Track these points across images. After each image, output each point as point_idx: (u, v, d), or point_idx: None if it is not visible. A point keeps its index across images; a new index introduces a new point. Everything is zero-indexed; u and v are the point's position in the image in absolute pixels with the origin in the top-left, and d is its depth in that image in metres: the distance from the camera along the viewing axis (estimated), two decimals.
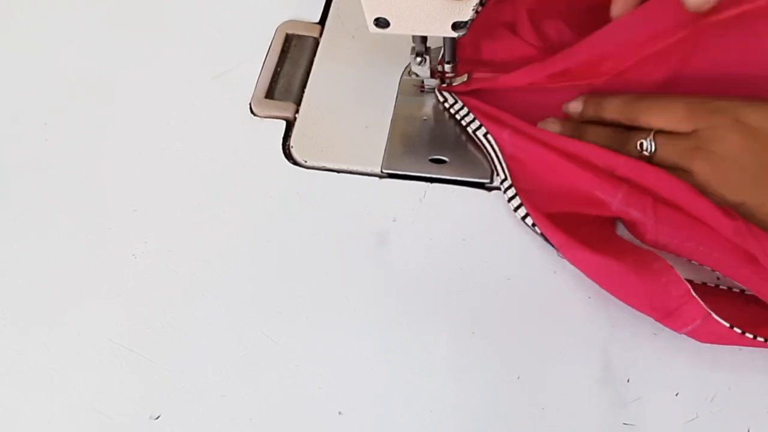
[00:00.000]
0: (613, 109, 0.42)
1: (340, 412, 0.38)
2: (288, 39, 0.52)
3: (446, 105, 0.46)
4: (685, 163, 0.38)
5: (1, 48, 0.53)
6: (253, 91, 0.49)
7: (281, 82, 0.50)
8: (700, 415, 0.36)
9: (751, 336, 0.35)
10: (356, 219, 0.43)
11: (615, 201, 0.40)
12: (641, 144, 0.39)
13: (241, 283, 0.42)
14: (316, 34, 0.52)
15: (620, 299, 0.38)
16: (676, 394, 0.37)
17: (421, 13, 0.38)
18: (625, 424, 0.37)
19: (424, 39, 0.42)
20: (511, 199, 0.42)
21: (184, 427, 0.38)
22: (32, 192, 0.46)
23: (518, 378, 0.38)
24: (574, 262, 0.40)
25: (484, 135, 0.44)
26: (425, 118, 0.47)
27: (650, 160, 0.40)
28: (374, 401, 0.38)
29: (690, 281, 0.36)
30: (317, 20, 0.53)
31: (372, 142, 0.46)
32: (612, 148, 0.41)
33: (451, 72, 0.46)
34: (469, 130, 0.45)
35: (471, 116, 0.45)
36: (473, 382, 0.38)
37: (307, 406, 0.38)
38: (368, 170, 0.45)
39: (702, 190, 0.38)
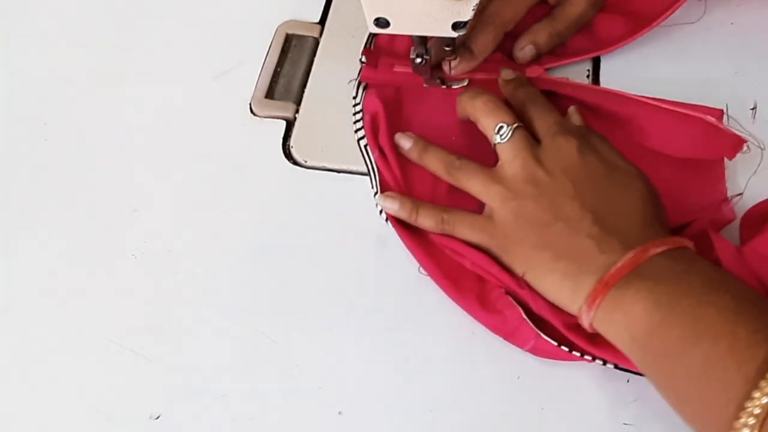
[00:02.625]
0: (434, 162, 0.43)
1: (340, 412, 0.38)
2: (288, 39, 0.52)
3: (354, 101, 0.47)
4: (515, 161, 0.40)
5: (1, 48, 0.53)
6: (253, 91, 0.49)
7: (281, 82, 0.50)
8: None
9: (578, 354, 0.37)
10: (356, 219, 0.43)
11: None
12: (501, 127, 0.41)
13: (241, 283, 0.42)
14: (316, 34, 0.52)
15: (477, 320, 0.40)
16: None
17: (421, 13, 0.38)
18: (625, 424, 0.37)
19: (424, 39, 0.42)
20: (381, 211, 0.43)
21: (184, 427, 0.38)
22: (32, 192, 0.46)
23: (518, 378, 0.38)
24: (434, 280, 0.41)
25: (365, 146, 0.45)
26: None
27: (495, 146, 0.41)
28: (374, 401, 0.38)
29: (524, 304, 0.38)
30: (317, 20, 0.53)
31: None
32: (476, 117, 0.43)
33: (452, 56, 0.46)
34: (356, 136, 0.45)
35: (360, 123, 0.46)
36: (473, 382, 0.38)
37: (307, 406, 0.38)
38: None
39: (500, 196, 0.39)
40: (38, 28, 0.54)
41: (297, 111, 0.48)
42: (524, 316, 0.38)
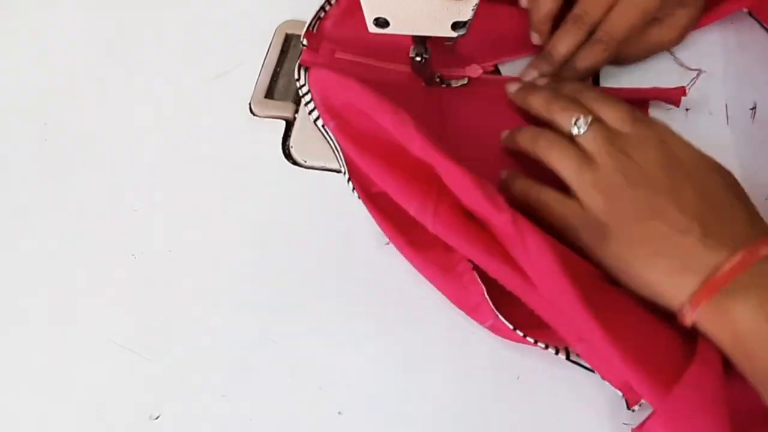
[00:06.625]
0: (568, 91, 0.42)
1: (340, 412, 0.38)
2: (288, 39, 0.52)
3: (298, 83, 0.47)
4: (601, 151, 0.38)
5: (1, 48, 0.53)
6: (253, 91, 0.49)
7: (281, 82, 0.50)
8: None
9: (531, 340, 0.37)
10: (356, 219, 0.43)
11: (410, 210, 0.40)
12: (578, 119, 0.40)
13: (241, 283, 0.42)
14: None
15: (440, 291, 0.40)
16: None
17: (421, 13, 0.38)
18: (624, 424, 0.37)
19: (423, 39, 0.42)
20: (353, 190, 0.43)
21: (184, 427, 0.38)
22: (32, 192, 0.46)
23: (518, 378, 0.38)
24: (400, 252, 0.41)
25: (322, 126, 0.45)
26: None
27: (573, 138, 0.40)
28: (374, 401, 0.38)
29: (491, 281, 0.38)
30: None
31: None
32: (549, 112, 0.42)
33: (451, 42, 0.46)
34: (311, 118, 0.45)
35: (312, 104, 0.45)
36: (473, 382, 0.38)
37: (307, 406, 0.38)
38: None
39: (593, 186, 0.38)
40: (38, 28, 0.54)
41: (297, 111, 0.48)
42: (486, 295, 0.38)
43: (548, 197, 0.40)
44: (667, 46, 0.47)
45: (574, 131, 0.40)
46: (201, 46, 0.52)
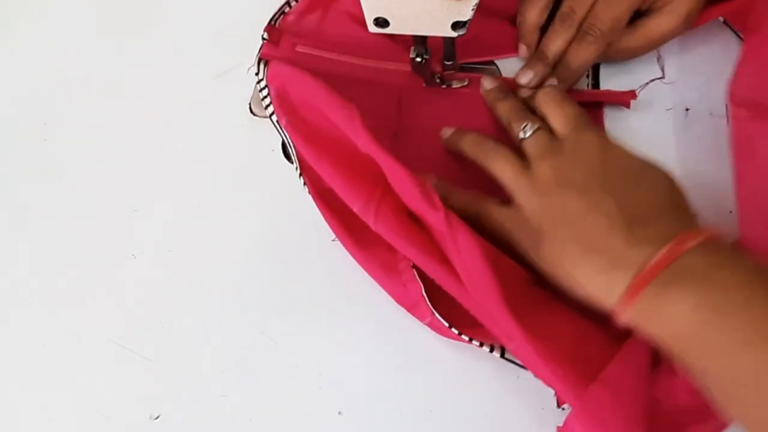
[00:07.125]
0: (467, 143, 0.43)
1: (340, 412, 0.38)
2: None
3: (257, 77, 0.46)
4: (537, 155, 0.39)
5: (1, 48, 0.53)
6: (253, 91, 0.49)
7: None
8: None
9: (466, 338, 0.38)
10: None
11: (355, 208, 0.41)
12: (526, 125, 0.41)
13: (241, 283, 0.42)
14: None
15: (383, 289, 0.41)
16: None
17: (421, 13, 0.38)
18: None
19: (424, 39, 0.42)
20: (305, 185, 0.43)
21: (184, 427, 0.38)
22: (32, 192, 0.46)
23: (518, 378, 0.38)
24: (346, 249, 0.41)
25: (277, 121, 0.45)
26: None
27: (520, 142, 0.41)
28: (374, 401, 0.38)
29: (431, 280, 0.38)
30: None
31: None
32: (509, 120, 0.43)
33: (452, 68, 0.46)
34: (267, 113, 0.45)
35: (269, 99, 0.45)
36: (473, 382, 0.38)
37: (307, 406, 0.38)
38: None
39: (529, 189, 0.39)
40: (38, 27, 0.54)
41: None
42: (424, 293, 0.38)
43: (488, 207, 0.40)
44: (672, 35, 0.46)
45: (521, 135, 0.41)
46: (201, 46, 0.52)
